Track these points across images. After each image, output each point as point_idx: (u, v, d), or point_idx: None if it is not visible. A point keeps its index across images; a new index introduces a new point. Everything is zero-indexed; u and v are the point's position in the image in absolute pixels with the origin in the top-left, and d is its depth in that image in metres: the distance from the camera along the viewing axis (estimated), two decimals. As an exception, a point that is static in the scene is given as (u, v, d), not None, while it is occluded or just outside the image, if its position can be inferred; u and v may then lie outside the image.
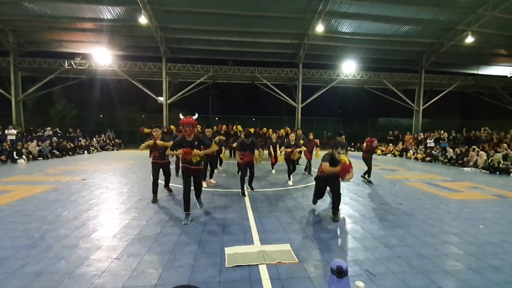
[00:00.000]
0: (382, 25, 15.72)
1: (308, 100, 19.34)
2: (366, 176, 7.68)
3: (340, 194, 4.52)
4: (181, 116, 4.33)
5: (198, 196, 4.80)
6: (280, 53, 18.74)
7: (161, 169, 5.54)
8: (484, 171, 10.16)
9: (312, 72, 18.88)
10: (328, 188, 4.80)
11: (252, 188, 6.32)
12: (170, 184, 6.12)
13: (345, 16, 15.09)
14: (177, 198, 5.58)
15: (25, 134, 15.21)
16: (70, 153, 14.33)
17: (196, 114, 4.45)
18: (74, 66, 17.28)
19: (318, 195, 4.97)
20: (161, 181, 5.61)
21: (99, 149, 17.12)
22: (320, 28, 14.63)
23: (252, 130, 12.32)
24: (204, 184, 6.37)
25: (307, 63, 18.83)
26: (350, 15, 14.99)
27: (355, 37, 16.74)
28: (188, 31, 16.29)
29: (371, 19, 15.08)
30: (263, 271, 2.78)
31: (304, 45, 17.13)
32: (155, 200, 5.32)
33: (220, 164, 9.44)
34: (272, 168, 9.21)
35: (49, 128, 16.17)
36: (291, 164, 7.51)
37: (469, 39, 15.19)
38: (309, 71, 18.83)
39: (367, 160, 7.63)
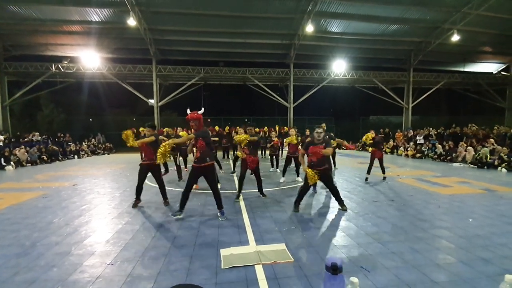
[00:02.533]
0: (370, 25, 15.95)
1: (300, 100, 19.46)
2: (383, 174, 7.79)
3: (335, 187, 4.81)
4: (188, 112, 4.43)
5: (218, 205, 4.46)
6: (271, 53, 18.80)
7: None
8: (472, 166, 10.40)
9: (303, 72, 19.01)
10: (310, 190, 4.98)
11: (263, 195, 5.84)
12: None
13: (334, 16, 15.25)
14: (171, 201, 5.53)
15: (12, 140, 14.84)
16: (60, 157, 14.06)
17: (202, 109, 4.51)
18: (62, 70, 16.95)
19: (303, 192, 4.84)
20: (154, 185, 5.54)
21: (89, 153, 16.85)
22: (310, 28, 14.76)
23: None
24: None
25: (298, 63, 18.96)
26: (339, 15, 15.16)
27: (345, 36, 16.94)
28: (178, 33, 16.18)
29: (359, 19, 15.29)
30: (259, 271, 2.78)
31: (295, 45, 17.22)
32: (166, 203, 5.33)
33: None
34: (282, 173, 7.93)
35: (37, 133, 15.81)
36: (291, 162, 7.61)
37: (455, 38, 15.56)
38: (300, 71, 18.95)
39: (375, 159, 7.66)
